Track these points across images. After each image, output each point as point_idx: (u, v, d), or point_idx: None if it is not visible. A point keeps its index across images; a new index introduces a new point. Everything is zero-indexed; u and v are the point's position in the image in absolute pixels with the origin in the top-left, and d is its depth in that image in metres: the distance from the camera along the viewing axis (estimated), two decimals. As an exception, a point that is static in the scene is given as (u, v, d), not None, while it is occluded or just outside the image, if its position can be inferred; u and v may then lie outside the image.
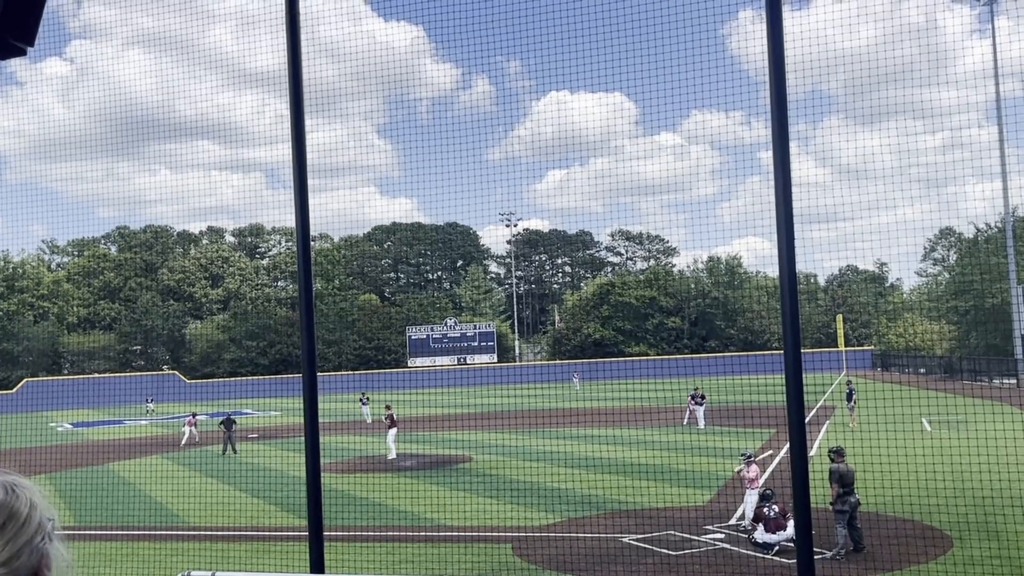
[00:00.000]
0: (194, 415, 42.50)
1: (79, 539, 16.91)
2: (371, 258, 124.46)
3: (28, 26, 4.58)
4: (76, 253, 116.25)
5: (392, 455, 31.81)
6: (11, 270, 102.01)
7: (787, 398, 7.63)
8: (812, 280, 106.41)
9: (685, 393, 40.73)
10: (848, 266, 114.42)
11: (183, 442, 39.97)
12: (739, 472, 19.35)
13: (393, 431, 32.26)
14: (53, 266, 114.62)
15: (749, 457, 18.92)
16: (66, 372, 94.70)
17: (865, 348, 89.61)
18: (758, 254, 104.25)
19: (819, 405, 43.16)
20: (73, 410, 68.69)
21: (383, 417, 33.64)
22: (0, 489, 1.65)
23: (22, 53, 5.01)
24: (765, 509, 16.62)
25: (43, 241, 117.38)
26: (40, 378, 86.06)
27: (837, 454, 16.52)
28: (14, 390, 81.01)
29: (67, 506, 24.03)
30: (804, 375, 7.72)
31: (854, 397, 36.38)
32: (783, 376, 7.65)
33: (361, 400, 49.50)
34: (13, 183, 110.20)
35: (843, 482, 15.96)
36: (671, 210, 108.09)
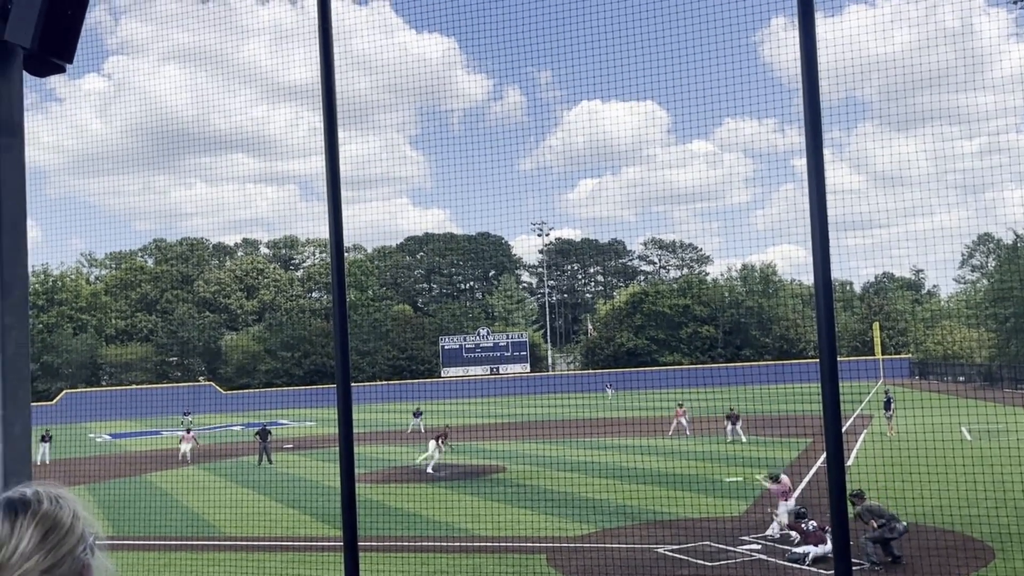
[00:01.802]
0: (188, 430, 41.43)
1: (118, 549, 17.09)
2: (404, 268, 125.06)
3: (67, 44, 4.67)
4: (114, 266, 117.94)
5: (429, 467, 31.40)
6: (51, 283, 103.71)
7: (823, 407, 7.54)
8: (848, 288, 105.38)
9: (720, 404, 40.45)
10: (884, 273, 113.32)
11: (180, 456, 38.68)
12: (768, 489, 19.20)
13: (434, 442, 32.02)
14: (92, 279, 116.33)
15: (776, 478, 18.77)
16: (105, 383, 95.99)
17: (902, 356, 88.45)
18: (793, 262, 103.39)
19: (856, 414, 42.65)
20: (112, 421, 69.55)
21: (435, 429, 32.82)
22: (45, 500, 1.68)
23: (61, 70, 5.10)
24: (803, 525, 16.43)
25: (82, 254, 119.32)
26: (79, 390, 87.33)
27: (858, 497, 16.11)
28: (54, 401, 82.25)
29: (106, 516, 24.31)
30: (840, 384, 7.65)
31: (892, 406, 35.91)
32: (819, 385, 7.59)
33: (414, 413, 49.44)
34: (53, 197, 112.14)
35: (878, 515, 15.64)
36: (704, 218, 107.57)
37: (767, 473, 19.48)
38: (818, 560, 15.99)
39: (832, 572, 8.21)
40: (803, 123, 7.66)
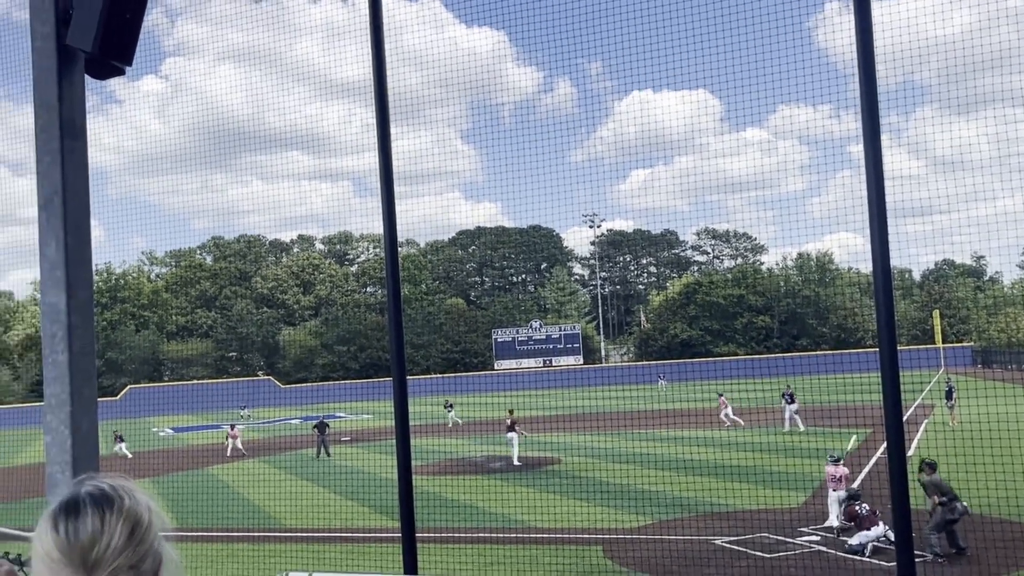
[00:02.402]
0: (233, 426, 41.77)
1: (182, 541, 17.53)
2: (456, 262, 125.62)
3: (126, 47, 4.76)
4: (174, 263, 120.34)
5: (515, 458, 31.49)
6: (113, 281, 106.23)
7: (883, 397, 7.43)
8: (907, 276, 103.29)
9: (777, 393, 39.99)
10: (944, 260, 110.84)
11: (228, 453, 38.84)
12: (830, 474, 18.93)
13: (512, 433, 31.74)
14: (152, 276, 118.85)
15: (837, 459, 18.51)
16: (167, 379, 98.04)
17: (964, 344, 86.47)
18: (850, 250, 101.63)
19: (917, 404, 41.84)
20: (174, 416, 71.02)
21: (508, 420, 32.58)
22: (125, 496, 1.70)
23: (121, 73, 5.21)
24: (857, 507, 16.22)
25: (142, 252, 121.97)
26: (142, 385, 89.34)
27: (931, 468, 15.86)
28: (119, 397, 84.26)
29: (170, 508, 24.85)
30: (901, 373, 7.50)
31: (954, 395, 35.15)
32: (879, 374, 7.46)
33: (446, 406, 49.87)
34: (114, 197, 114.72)
35: (942, 491, 15.40)
36: (759, 207, 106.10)
37: (828, 456, 19.18)
38: (863, 547, 15.81)
39: (894, 564, 8.07)
40: (859, 108, 7.53)
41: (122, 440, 42.04)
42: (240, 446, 39.55)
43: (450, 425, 47.28)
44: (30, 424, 66.72)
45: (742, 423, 39.35)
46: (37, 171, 4.40)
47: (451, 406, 49.50)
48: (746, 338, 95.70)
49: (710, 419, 40.48)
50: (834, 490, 17.90)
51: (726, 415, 40.14)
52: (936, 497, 15.33)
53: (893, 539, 14.78)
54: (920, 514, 14.81)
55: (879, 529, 15.70)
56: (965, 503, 15.60)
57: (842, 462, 18.49)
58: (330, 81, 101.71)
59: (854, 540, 16.05)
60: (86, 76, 4.63)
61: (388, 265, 8.87)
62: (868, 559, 15.50)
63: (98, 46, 4.29)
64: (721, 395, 41.70)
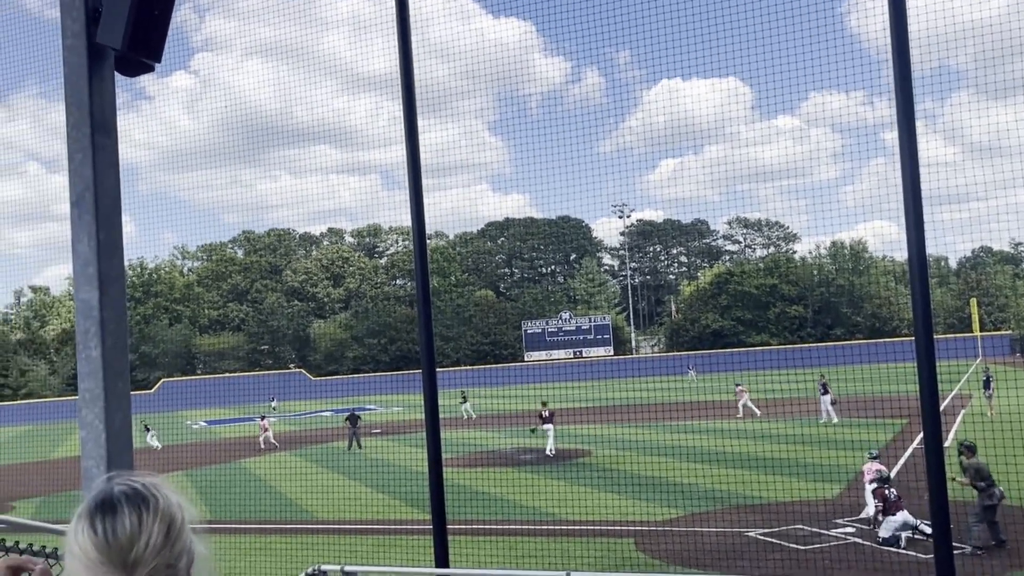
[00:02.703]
0: (263, 417, 42.21)
1: (215, 533, 17.65)
2: (485, 254, 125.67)
3: (155, 44, 4.76)
4: (205, 257, 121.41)
5: (549, 449, 31.73)
6: (147, 276, 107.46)
7: (919, 386, 7.33)
8: (943, 263, 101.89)
9: (811, 384, 39.67)
10: (981, 247, 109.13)
11: (261, 445, 39.40)
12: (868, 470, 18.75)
13: (549, 425, 31.86)
14: (185, 271, 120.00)
15: (876, 456, 18.35)
16: (200, 372, 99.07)
17: (1003, 333, 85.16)
18: (885, 238, 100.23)
19: (953, 393, 41.30)
20: (207, 409, 71.75)
21: (544, 413, 32.81)
22: (158, 494, 1.70)
23: (150, 70, 5.21)
24: (886, 491, 16.07)
25: (175, 247, 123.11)
26: (176, 378, 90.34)
27: (969, 450, 15.73)
28: (153, 390, 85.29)
29: (203, 501, 25.11)
30: (937, 362, 7.39)
31: (992, 384, 34.65)
32: (914, 364, 7.35)
33: (461, 399, 49.53)
34: (145, 193, 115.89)
35: (980, 476, 15.24)
36: (791, 195, 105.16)
37: (868, 453, 18.98)
38: (898, 539, 15.68)
39: (931, 556, 7.96)
40: (893, 94, 7.41)
41: (150, 430, 42.59)
42: (272, 439, 39.95)
43: (465, 418, 46.96)
44: (67, 418, 67.74)
45: (759, 412, 39.33)
46: (69, 168, 4.42)
47: (465, 398, 49.22)
48: (779, 328, 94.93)
49: (740, 410, 40.27)
50: (870, 484, 17.72)
51: (744, 405, 40.53)
52: (975, 481, 15.19)
53: (924, 531, 14.70)
54: (957, 505, 14.61)
55: (904, 515, 15.71)
56: (1000, 488, 15.44)
57: (879, 458, 18.35)
58: (357, 74, 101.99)
59: (883, 532, 15.90)
60: (116, 73, 4.65)
61: (417, 257, 8.87)
62: (904, 551, 15.33)
63: (127, 43, 4.30)
64: (739, 384, 41.76)
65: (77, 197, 4.39)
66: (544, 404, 32.53)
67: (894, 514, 15.82)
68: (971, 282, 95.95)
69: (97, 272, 4.33)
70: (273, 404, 70.41)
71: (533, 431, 33.12)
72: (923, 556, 14.53)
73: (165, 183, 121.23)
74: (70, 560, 1.63)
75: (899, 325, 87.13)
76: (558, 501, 21.40)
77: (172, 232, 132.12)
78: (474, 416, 47.50)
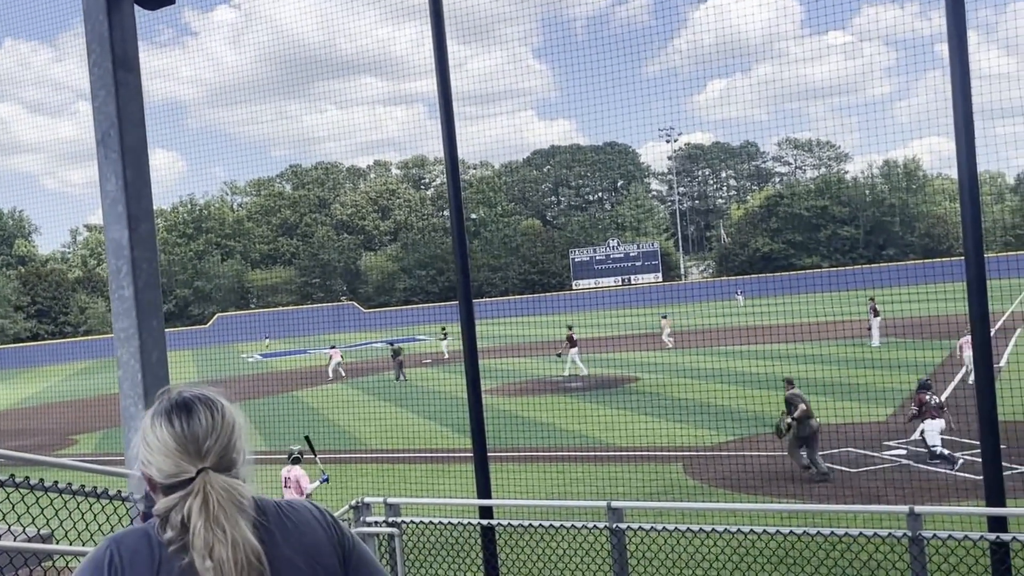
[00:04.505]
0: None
1: (269, 463, 18.03)
2: (531, 183, 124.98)
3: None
4: (255, 192, 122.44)
5: (583, 371, 32.79)
6: (197, 212, 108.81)
7: (969, 305, 7.15)
8: (1000, 180, 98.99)
9: (862, 306, 39.10)
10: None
11: (331, 376, 39.64)
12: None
13: (574, 350, 32.97)
14: (235, 206, 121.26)
15: (927, 385, 17.99)
16: (253, 306, 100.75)
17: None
18: (940, 155, 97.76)
19: (1008, 313, 40.47)
20: (261, 342, 73.11)
21: (563, 339, 34.23)
22: (223, 401, 1.99)
23: (171, 2, 5.11)
24: (927, 396, 15.89)
25: (224, 183, 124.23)
26: (230, 313, 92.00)
27: (788, 383, 16.62)
28: (208, 324, 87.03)
29: (259, 431, 25.71)
30: (988, 281, 7.20)
31: (1050, 303, 33.90)
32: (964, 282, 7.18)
33: (442, 334, 47.26)
34: (194, 128, 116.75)
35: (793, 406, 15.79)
36: (842, 114, 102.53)
37: (920, 381, 18.69)
38: (954, 460, 15.56)
39: (981, 478, 7.85)
40: (945, 4, 7.08)
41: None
42: (342, 369, 40.53)
43: (447, 356, 44.82)
44: (128, 353, 69.40)
45: (670, 345, 40.76)
46: (92, 106, 4.39)
47: (446, 335, 45.87)
48: (830, 250, 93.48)
49: (790, 333, 39.89)
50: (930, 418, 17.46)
51: (667, 336, 41.82)
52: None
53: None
54: (1006, 425, 14.39)
55: (941, 423, 15.73)
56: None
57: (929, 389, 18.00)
58: (399, 2, 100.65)
59: (932, 439, 15.79)
60: (136, 7, 4.57)
61: (450, 185, 8.82)
62: (956, 472, 15.20)
63: (142, -25, 4.23)
64: (664, 316, 43.36)
65: (102, 135, 4.36)
66: (570, 328, 33.54)
67: (933, 418, 15.73)
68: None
69: (126, 211, 4.32)
70: (267, 341, 71.25)
71: (559, 356, 33.93)
72: (975, 477, 14.38)
73: (213, 119, 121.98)
74: (145, 451, 1.90)
75: (953, 244, 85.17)
76: (606, 427, 21.54)
77: (222, 168, 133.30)
78: (447, 356, 45.04)
